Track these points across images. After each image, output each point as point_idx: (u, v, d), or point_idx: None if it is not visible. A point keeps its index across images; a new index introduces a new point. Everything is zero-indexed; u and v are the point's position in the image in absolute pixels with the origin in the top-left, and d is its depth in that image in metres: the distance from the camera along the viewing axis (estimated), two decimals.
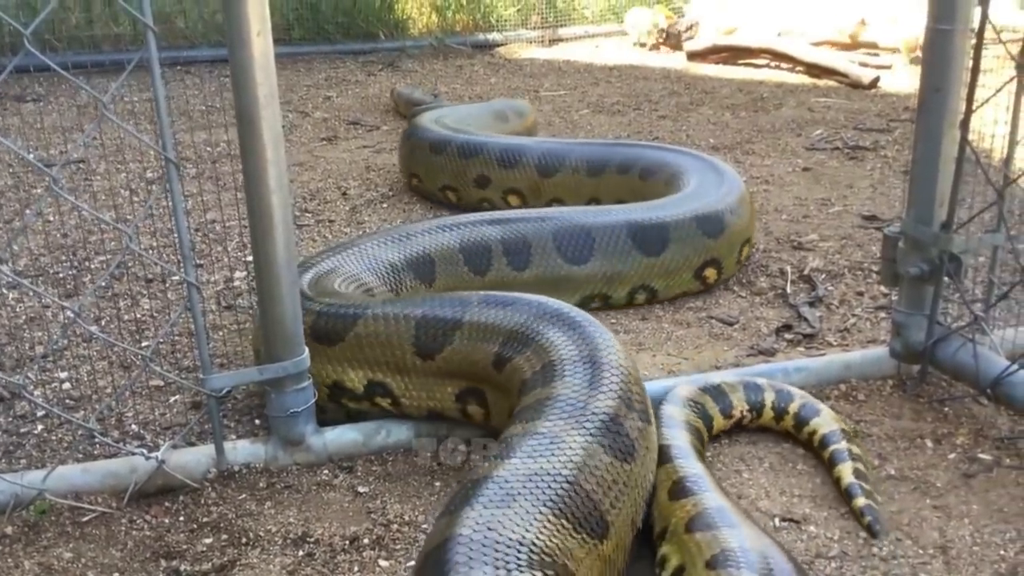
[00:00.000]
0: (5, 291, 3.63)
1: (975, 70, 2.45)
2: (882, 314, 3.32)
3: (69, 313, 3.26)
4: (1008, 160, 2.61)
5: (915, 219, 2.64)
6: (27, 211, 4.48)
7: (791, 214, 4.34)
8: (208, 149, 5.45)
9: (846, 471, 2.34)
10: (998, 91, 2.44)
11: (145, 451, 2.37)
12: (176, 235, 2.29)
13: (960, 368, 2.59)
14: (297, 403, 2.46)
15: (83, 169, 5.14)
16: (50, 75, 6.98)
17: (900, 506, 2.31)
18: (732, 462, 2.50)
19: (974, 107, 2.43)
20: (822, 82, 6.88)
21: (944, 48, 2.51)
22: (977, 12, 2.43)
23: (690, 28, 8.12)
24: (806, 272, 3.69)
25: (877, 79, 6.64)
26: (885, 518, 2.25)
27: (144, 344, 3.19)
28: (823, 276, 3.66)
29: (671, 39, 8.18)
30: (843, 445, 2.42)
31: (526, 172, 4.36)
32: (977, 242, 2.63)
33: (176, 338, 3.25)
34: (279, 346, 2.42)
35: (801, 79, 7.01)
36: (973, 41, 2.44)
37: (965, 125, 2.47)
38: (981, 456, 2.49)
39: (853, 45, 7.52)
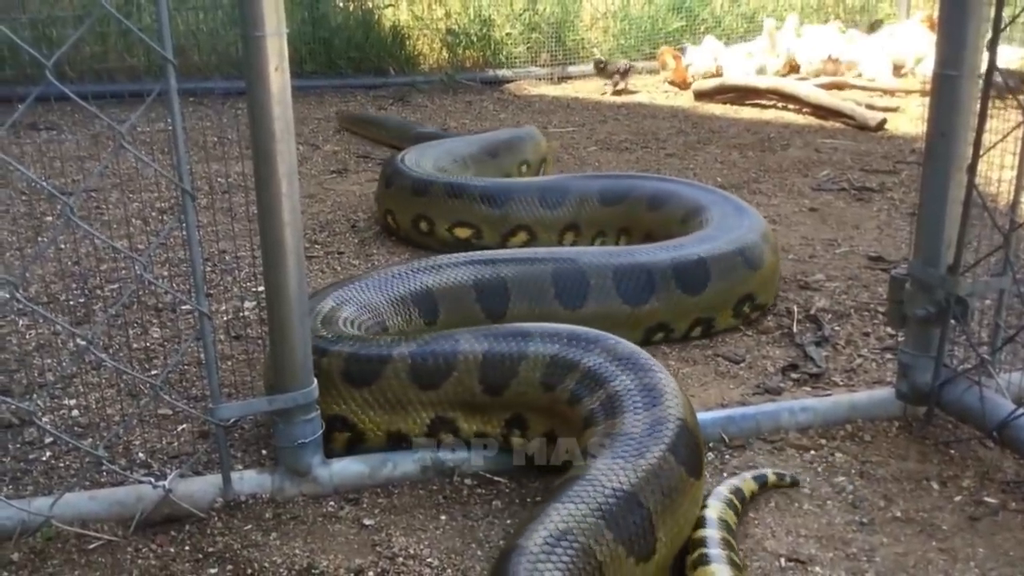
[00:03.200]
0: (16, 318, 3.65)
1: (982, 115, 2.48)
2: (888, 355, 3.33)
3: (80, 341, 3.28)
4: (1015, 205, 2.63)
5: (922, 261, 2.65)
6: (40, 238, 4.52)
7: (797, 254, 4.36)
8: (220, 180, 5.49)
9: None
10: (1005, 137, 2.47)
11: (152, 480, 2.38)
12: (190, 264, 2.31)
13: (966, 411, 2.59)
14: (305, 434, 2.47)
15: (95, 198, 5.19)
16: (64, 104, 7.06)
17: (906, 548, 2.31)
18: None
19: (981, 152, 2.45)
20: (829, 123, 6.93)
21: (950, 93, 2.54)
22: (984, 57, 2.46)
23: (626, 72, 8.22)
24: (812, 312, 3.70)
25: (884, 121, 6.69)
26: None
27: (153, 373, 3.20)
28: (829, 316, 3.67)
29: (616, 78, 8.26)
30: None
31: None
32: (984, 285, 2.64)
33: (185, 367, 3.27)
34: (288, 377, 2.43)
35: (808, 120, 7.06)
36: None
37: (972, 169, 2.50)
38: (987, 499, 2.48)
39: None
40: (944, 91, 2.55)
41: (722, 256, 3.51)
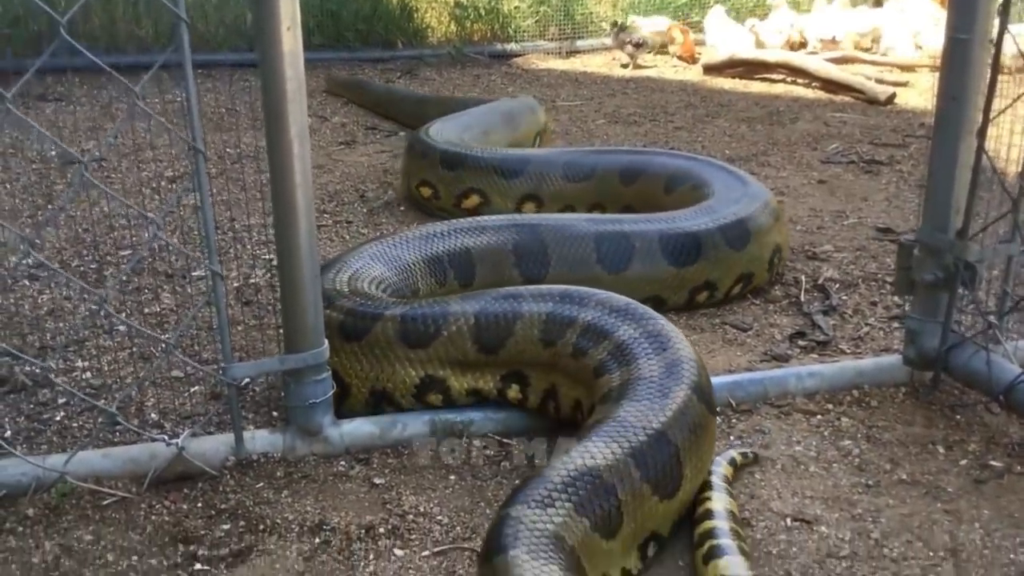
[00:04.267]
0: (27, 283, 3.68)
1: (993, 79, 2.47)
2: (895, 324, 3.34)
3: (94, 303, 3.31)
4: None
5: (931, 227, 2.66)
6: (50, 206, 4.54)
7: (806, 225, 4.36)
8: (229, 151, 5.50)
9: None
10: (1015, 100, 2.46)
11: (165, 438, 2.41)
12: (202, 226, 2.33)
13: (973, 375, 2.61)
14: (316, 394, 2.49)
15: (104, 167, 5.20)
16: (71, 76, 7.06)
17: (911, 509, 2.33)
18: (748, 464, 2.52)
19: (992, 115, 2.45)
20: (838, 97, 6.90)
21: (962, 57, 2.54)
22: (996, 23, 2.46)
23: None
24: (820, 282, 3.71)
25: (893, 95, 6.66)
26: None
27: (166, 336, 3.23)
28: (837, 286, 3.68)
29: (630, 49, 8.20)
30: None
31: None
32: (992, 251, 2.65)
33: (196, 332, 3.29)
34: (299, 337, 2.45)
35: (817, 94, 7.03)
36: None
37: (982, 134, 2.50)
38: (992, 463, 2.50)
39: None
40: (955, 55, 2.55)
41: (758, 213, 3.61)
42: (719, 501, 2.23)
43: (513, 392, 2.63)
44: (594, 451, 2.06)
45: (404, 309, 2.66)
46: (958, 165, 2.58)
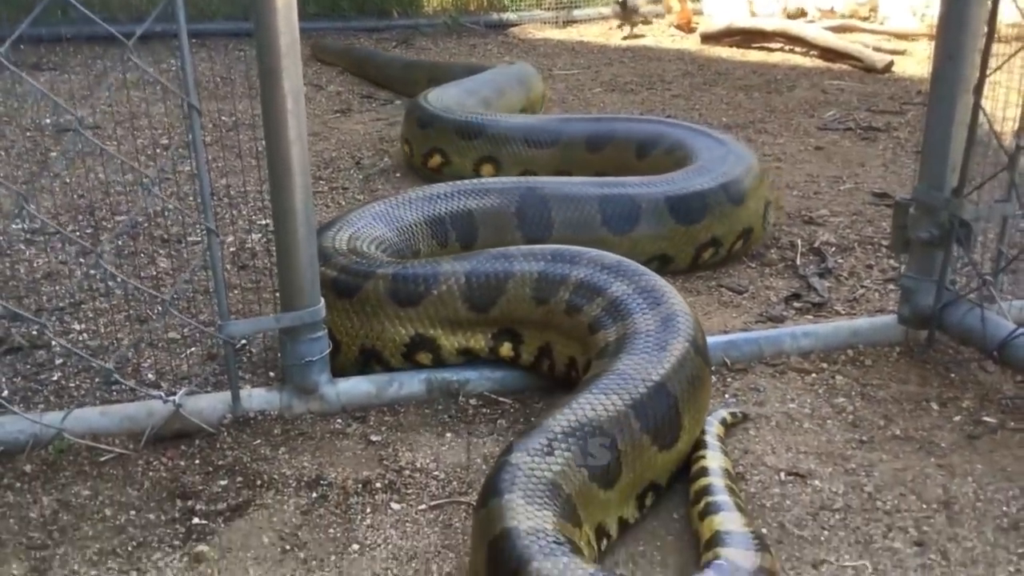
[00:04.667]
0: (23, 247, 3.68)
1: (989, 37, 2.47)
2: (891, 286, 3.34)
3: (90, 264, 3.30)
4: (1021, 129, 2.63)
5: (927, 185, 2.66)
6: (45, 173, 4.53)
7: (803, 190, 4.36)
8: (223, 119, 5.48)
9: None
10: (1011, 56, 2.46)
11: (162, 395, 2.42)
12: (197, 182, 2.33)
13: (967, 332, 2.62)
14: (312, 352, 2.50)
15: (99, 135, 5.18)
16: (66, 45, 7.02)
17: (904, 464, 2.34)
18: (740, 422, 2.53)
19: (988, 72, 2.45)
20: (836, 66, 6.89)
21: (959, 16, 2.53)
22: None
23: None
24: (816, 245, 3.71)
25: (891, 63, 6.65)
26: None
27: (162, 294, 3.23)
28: (833, 249, 3.69)
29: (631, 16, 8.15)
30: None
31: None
32: (988, 210, 2.65)
33: (192, 295, 3.30)
34: (295, 296, 2.45)
35: (815, 62, 7.01)
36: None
37: (979, 91, 2.49)
38: (986, 419, 2.51)
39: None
40: (952, 14, 2.54)
41: (748, 169, 3.67)
42: (714, 459, 2.24)
43: (505, 349, 2.64)
44: (594, 402, 2.07)
45: (396, 268, 2.66)
46: (954, 123, 2.58)
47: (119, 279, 3.38)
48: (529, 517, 1.76)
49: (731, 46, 7.63)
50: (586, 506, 1.93)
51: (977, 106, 2.48)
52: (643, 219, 3.40)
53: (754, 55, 7.40)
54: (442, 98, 4.74)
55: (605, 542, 2.03)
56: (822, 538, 2.09)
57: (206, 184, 2.27)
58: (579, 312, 2.50)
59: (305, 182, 2.38)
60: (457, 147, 4.44)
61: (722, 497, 2.07)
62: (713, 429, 2.36)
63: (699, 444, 2.29)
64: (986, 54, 2.47)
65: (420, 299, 2.61)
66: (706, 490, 2.11)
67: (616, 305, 2.43)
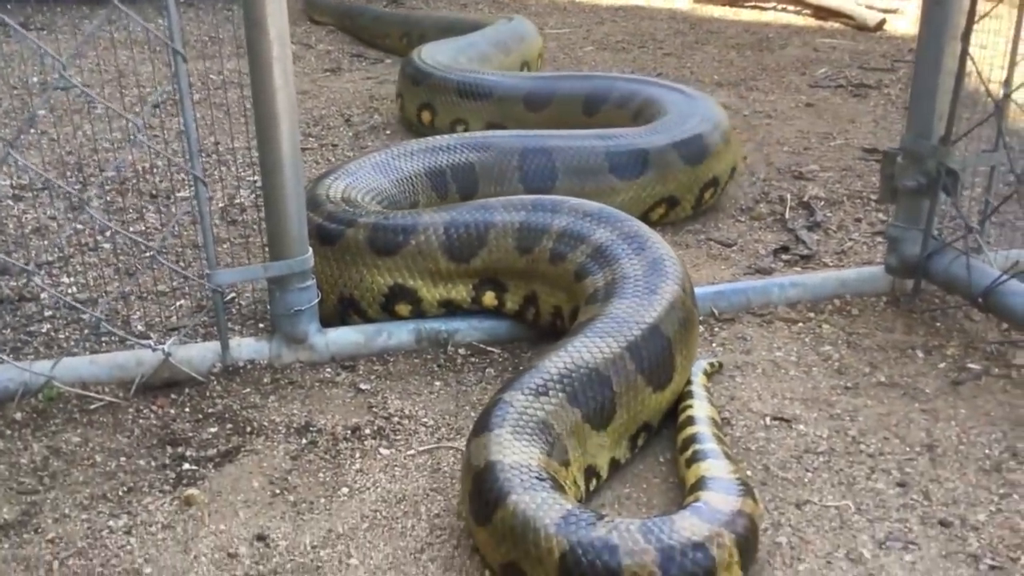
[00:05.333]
0: (11, 203, 3.66)
1: None
2: (879, 239, 3.36)
3: (76, 223, 3.29)
4: (1008, 80, 2.62)
5: (914, 134, 2.66)
6: (32, 131, 4.50)
7: (793, 146, 4.36)
8: (212, 77, 5.45)
9: None
10: (999, 2, 2.45)
11: (152, 343, 2.42)
12: (183, 129, 2.32)
13: (953, 280, 2.63)
14: (300, 301, 2.50)
15: (86, 93, 5.14)
16: (53, 5, 6.95)
17: (889, 409, 2.37)
18: (727, 368, 2.55)
19: (976, 18, 2.44)
20: (828, 24, 6.86)
21: None
22: None
23: None
24: (805, 199, 3.72)
25: (883, 21, 6.62)
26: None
27: (151, 243, 3.22)
28: (822, 203, 3.69)
29: None
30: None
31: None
32: (975, 158, 2.65)
33: (181, 250, 3.30)
34: (284, 245, 2.46)
35: (807, 21, 6.98)
36: None
37: (966, 38, 2.49)
38: (970, 366, 2.54)
39: None
40: None
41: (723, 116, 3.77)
42: (700, 408, 2.24)
43: (488, 299, 2.65)
44: (590, 344, 2.09)
45: (377, 218, 2.66)
46: (942, 71, 2.58)
47: (108, 232, 3.37)
48: (514, 452, 1.78)
49: (723, 5, 7.58)
50: (578, 446, 1.95)
51: (964, 53, 2.48)
52: (651, 165, 3.43)
53: (746, 14, 7.35)
54: (434, 54, 4.74)
55: (595, 482, 2.05)
56: (806, 480, 2.11)
57: (192, 131, 2.26)
58: (564, 260, 2.50)
59: (292, 130, 2.37)
60: (410, 92, 4.58)
61: (709, 445, 2.08)
62: (698, 379, 2.37)
63: (685, 394, 2.30)
64: (973, 2, 2.46)
65: (398, 249, 2.61)
66: (693, 439, 2.12)
67: (601, 251, 2.44)
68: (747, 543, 1.75)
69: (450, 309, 2.68)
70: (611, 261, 2.40)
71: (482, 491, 1.75)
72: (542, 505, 1.67)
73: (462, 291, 2.64)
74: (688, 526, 1.70)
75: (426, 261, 2.61)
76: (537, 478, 1.74)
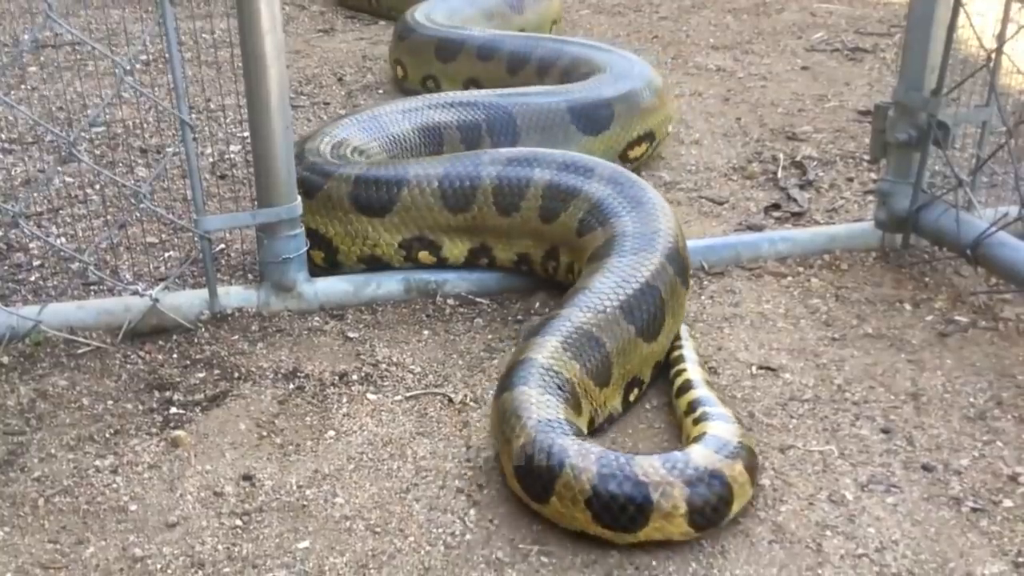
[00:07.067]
0: (1, 156, 3.65)
1: None
2: (870, 198, 3.35)
3: (61, 176, 3.27)
4: (1001, 34, 2.61)
5: (906, 86, 2.65)
6: (23, 86, 4.47)
7: (787, 108, 4.34)
8: (205, 36, 5.40)
9: None
10: None
11: (139, 289, 2.42)
12: (170, 74, 2.30)
13: (942, 233, 2.63)
14: (289, 249, 2.50)
15: (78, 50, 5.11)
16: None
17: (875, 359, 2.37)
18: (715, 320, 2.55)
19: None
20: None
21: None
22: None
23: None
24: (798, 159, 3.71)
25: None
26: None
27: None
28: (815, 163, 3.68)
29: None
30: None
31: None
32: (966, 113, 2.64)
33: (171, 203, 3.28)
34: (272, 192, 2.45)
35: None
36: None
37: None
38: (958, 318, 2.54)
39: None
40: None
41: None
42: (695, 372, 2.20)
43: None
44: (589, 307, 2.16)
45: (359, 170, 2.66)
46: (934, 22, 2.56)
47: (97, 185, 3.36)
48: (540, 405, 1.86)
49: None
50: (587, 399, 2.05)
51: (958, 4, 2.47)
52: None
53: None
54: (430, 13, 4.72)
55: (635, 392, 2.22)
56: (790, 426, 2.12)
57: (177, 69, 2.24)
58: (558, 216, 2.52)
59: (280, 74, 2.36)
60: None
61: (715, 408, 2.04)
62: (688, 341, 2.36)
63: (677, 358, 2.28)
64: None
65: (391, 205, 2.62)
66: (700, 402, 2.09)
67: (601, 208, 2.47)
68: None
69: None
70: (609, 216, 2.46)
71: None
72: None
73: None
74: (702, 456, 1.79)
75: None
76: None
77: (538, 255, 2.60)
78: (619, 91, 3.52)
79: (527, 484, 1.81)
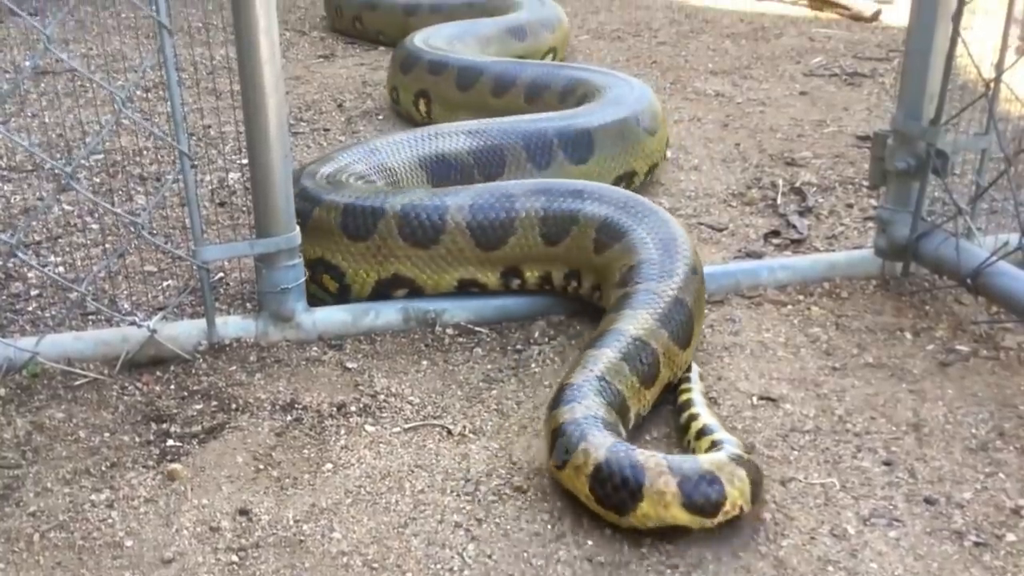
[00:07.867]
0: (1, 184, 3.65)
1: None
2: (870, 224, 3.35)
3: (60, 204, 3.27)
4: (1000, 63, 2.61)
5: (905, 114, 2.66)
6: (23, 113, 4.48)
7: (786, 133, 4.35)
8: (204, 63, 5.43)
9: None
10: None
11: (137, 320, 2.41)
12: (169, 104, 2.30)
13: (942, 261, 2.62)
14: (287, 280, 2.49)
15: (78, 77, 5.12)
16: None
17: (876, 389, 2.36)
18: (715, 350, 2.54)
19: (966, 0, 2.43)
20: (824, 14, 6.84)
21: None
22: None
23: None
24: (797, 185, 3.71)
25: (879, 12, 6.60)
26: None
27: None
28: (814, 189, 3.69)
29: None
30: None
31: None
32: (965, 140, 2.64)
33: (169, 232, 3.28)
34: (271, 222, 2.44)
35: (802, 11, 6.96)
36: None
37: (957, 18, 2.47)
38: (959, 347, 2.53)
39: None
40: None
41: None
42: (700, 405, 2.20)
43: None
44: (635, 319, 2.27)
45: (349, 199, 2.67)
46: (933, 51, 2.57)
47: (95, 214, 3.36)
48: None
49: None
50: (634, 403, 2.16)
51: (956, 33, 2.47)
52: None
53: (742, 3, 7.32)
54: (429, 38, 4.74)
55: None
56: (791, 458, 2.11)
57: (178, 107, 2.24)
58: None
59: (279, 104, 2.36)
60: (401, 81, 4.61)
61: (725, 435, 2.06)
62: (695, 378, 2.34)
63: (683, 391, 2.28)
64: None
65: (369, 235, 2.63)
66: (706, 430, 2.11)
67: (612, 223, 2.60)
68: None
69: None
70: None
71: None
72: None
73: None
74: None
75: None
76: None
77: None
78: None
79: None
